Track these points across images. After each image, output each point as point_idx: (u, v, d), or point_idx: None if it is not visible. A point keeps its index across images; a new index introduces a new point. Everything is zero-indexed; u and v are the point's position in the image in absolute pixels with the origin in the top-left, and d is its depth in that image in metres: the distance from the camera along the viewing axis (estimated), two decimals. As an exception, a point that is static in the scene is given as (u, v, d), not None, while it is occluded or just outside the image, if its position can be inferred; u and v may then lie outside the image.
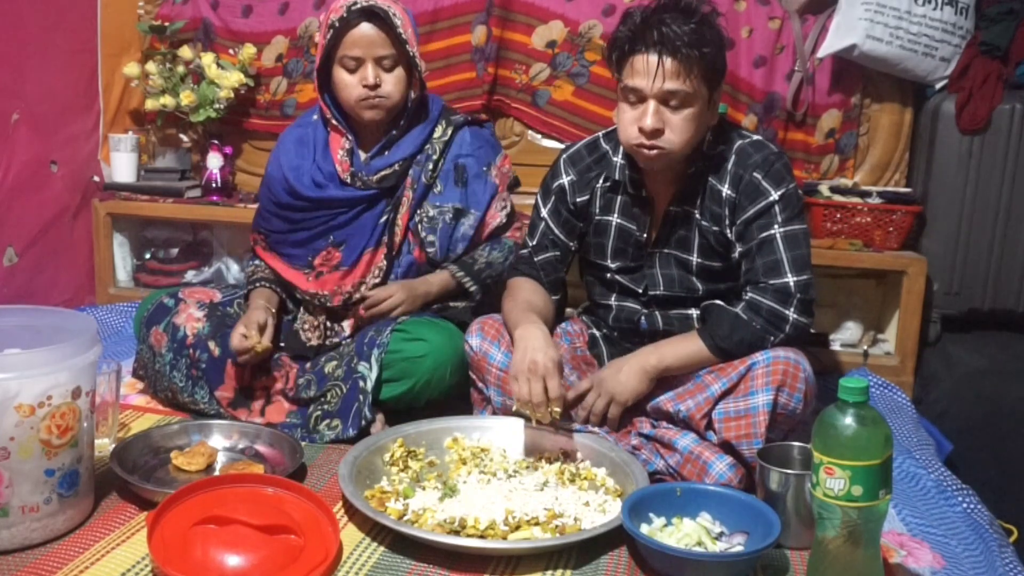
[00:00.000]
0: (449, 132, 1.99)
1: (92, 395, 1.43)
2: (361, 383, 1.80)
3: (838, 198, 2.37)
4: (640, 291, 1.80)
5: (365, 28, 1.84)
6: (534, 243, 1.86)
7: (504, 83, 2.62)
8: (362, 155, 1.97)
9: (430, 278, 1.95)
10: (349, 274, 1.96)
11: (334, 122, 1.95)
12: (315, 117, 2.03)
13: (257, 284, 2.01)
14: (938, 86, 2.41)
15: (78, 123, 2.65)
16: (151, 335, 1.92)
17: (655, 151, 1.61)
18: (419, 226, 1.96)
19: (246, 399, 1.90)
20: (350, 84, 1.87)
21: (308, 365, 1.93)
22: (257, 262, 2.07)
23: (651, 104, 1.58)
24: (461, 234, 1.96)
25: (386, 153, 1.95)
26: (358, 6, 1.84)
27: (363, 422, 1.78)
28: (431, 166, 1.96)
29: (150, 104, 2.72)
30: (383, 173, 1.93)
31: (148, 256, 2.84)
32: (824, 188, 2.40)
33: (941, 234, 2.37)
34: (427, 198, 1.97)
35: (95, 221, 2.69)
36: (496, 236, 2.03)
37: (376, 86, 1.86)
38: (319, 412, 1.84)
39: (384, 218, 1.95)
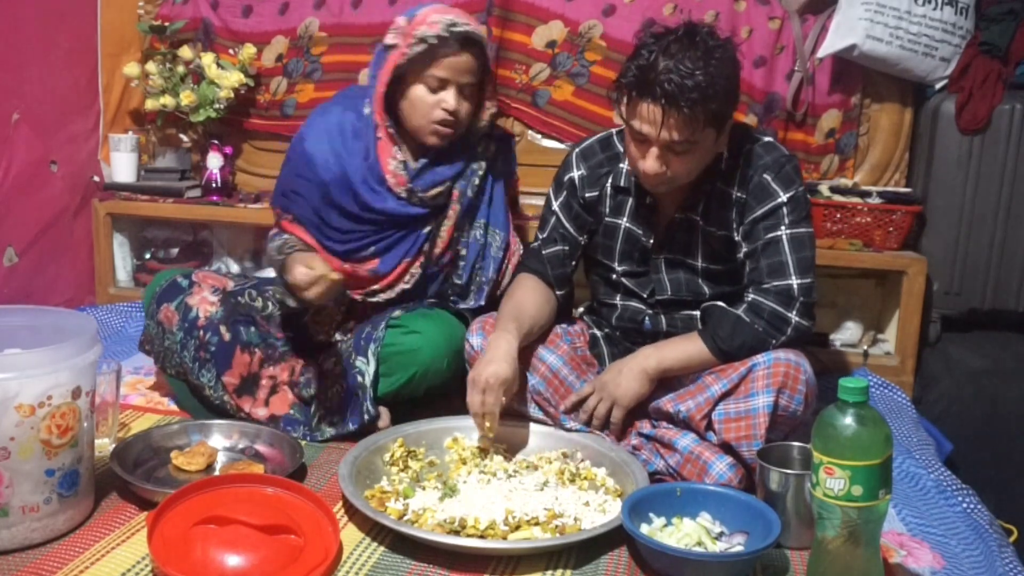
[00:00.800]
0: (492, 147, 1.98)
1: (92, 395, 1.43)
2: (359, 378, 1.80)
3: (838, 198, 2.37)
4: (646, 295, 1.79)
5: (464, 55, 1.78)
6: (544, 236, 1.84)
7: (504, 83, 2.61)
8: (411, 167, 1.90)
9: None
10: (381, 279, 1.95)
11: (390, 130, 1.87)
12: (368, 110, 1.89)
13: (290, 250, 1.88)
14: (938, 86, 2.41)
15: (78, 123, 2.65)
16: (160, 311, 1.88)
17: (658, 184, 1.62)
18: (460, 239, 1.96)
19: (252, 386, 1.88)
20: (429, 104, 1.81)
21: (307, 363, 1.92)
22: (286, 236, 1.95)
23: (654, 150, 1.56)
24: (492, 255, 1.96)
25: (435, 169, 1.90)
26: (459, 29, 1.77)
27: (365, 417, 1.78)
28: (476, 181, 1.94)
29: (150, 104, 2.71)
30: (436, 191, 1.89)
31: (148, 256, 2.84)
32: (824, 188, 2.39)
33: (941, 234, 2.37)
34: (473, 213, 1.96)
35: (95, 221, 2.69)
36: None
37: (455, 112, 1.81)
38: (321, 411, 1.84)
39: (427, 228, 1.93)
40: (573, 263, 1.86)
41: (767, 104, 2.47)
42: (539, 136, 2.66)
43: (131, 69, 2.71)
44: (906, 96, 2.47)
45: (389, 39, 1.83)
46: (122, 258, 2.79)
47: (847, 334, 2.46)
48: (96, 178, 2.71)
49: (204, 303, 1.88)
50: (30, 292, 2.45)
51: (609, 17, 2.52)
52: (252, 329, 1.91)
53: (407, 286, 1.95)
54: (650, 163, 1.57)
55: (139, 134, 2.80)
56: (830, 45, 2.35)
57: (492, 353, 1.61)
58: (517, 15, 2.56)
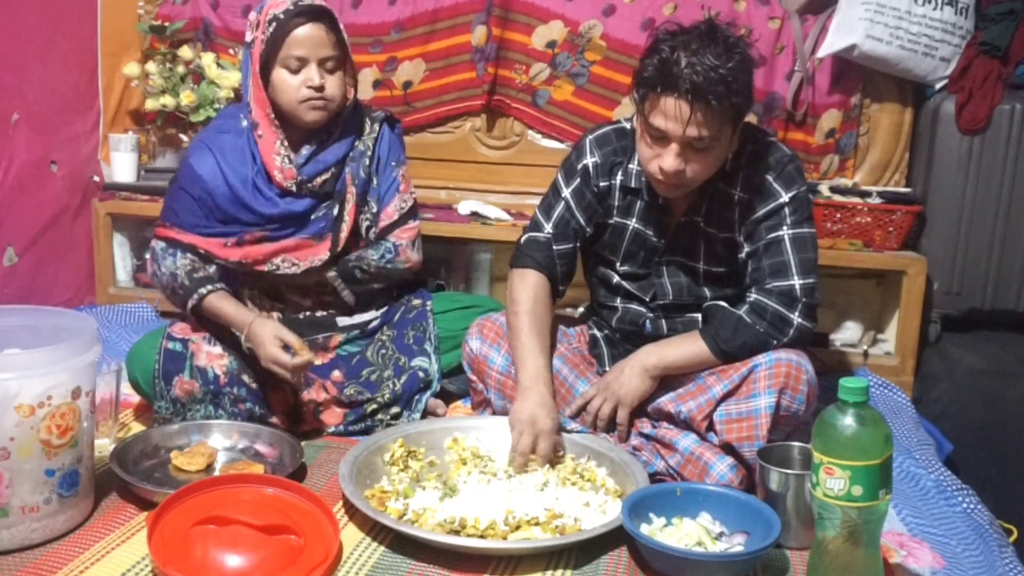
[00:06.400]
0: (376, 128, 1.97)
1: (92, 395, 1.43)
2: (422, 374, 1.91)
3: (838, 198, 2.37)
4: (647, 299, 1.78)
5: (312, 28, 1.77)
6: (552, 230, 1.77)
7: (504, 83, 2.62)
8: (293, 158, 1.87)
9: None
10: (278, 247, 1.89)
11: (276, 122, 1.84)
12: (244, 123, 1.88)
13: (213, 287, 1.82)
14: (938, 86, 2.42)
15: (78, 123, 2.65)
16: (175, 387, 1.79)
17: (673, 186, 1.60)
18: (363, 220, 1.95)
19: (298, 415, 1.84)
20: (293, 86, 1.78)
21: (346, 380, 1.89)
22: (189, 256, 1.87)
23: (674, 147, 1.53)
24: (365, 227, 1.96)
25: (319, 156, 1.89)
26: (306, 2, 1.78)
27: (422, 406, 1.90)
28: (367, 161, 1.94)
29: (150, 104, 2.71)
30: (323, 178, 1.88)
31: (148, 256, 2.83)
32: (824, 188, 2.40)
33: (941, 234, 2.37)
34: (368, 193, 1.95)
35: (95, 221, 2.69)
36: (384, 234, 2.00)
37: (321, 87, 1.79)
38: (374, 406, 1.87)
39: (323, 212, 1.90)
40: (576, 259, 1.83)
41: (767, 104, 2.47)
42: (539, 136, 2.66)
43: (131, 69, 2.71)
44: (906, 96, 2.48)
45: (247, 37, 1.84)
46: (122, 258, 2.78)
47: (847, 334, 2.47)
48: (96, 178, 2.71)
49: (212, 359, 1.81)
50: (30, 292, 2.45)
51: (609, 17, 2.52)
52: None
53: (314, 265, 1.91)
54: (669, 161, 1.54)
55: (139, 134, 2.80)
56: (830, 45, 2.35)
57: (536, 399, 1.62)
58: (517, 15, 2.56)
